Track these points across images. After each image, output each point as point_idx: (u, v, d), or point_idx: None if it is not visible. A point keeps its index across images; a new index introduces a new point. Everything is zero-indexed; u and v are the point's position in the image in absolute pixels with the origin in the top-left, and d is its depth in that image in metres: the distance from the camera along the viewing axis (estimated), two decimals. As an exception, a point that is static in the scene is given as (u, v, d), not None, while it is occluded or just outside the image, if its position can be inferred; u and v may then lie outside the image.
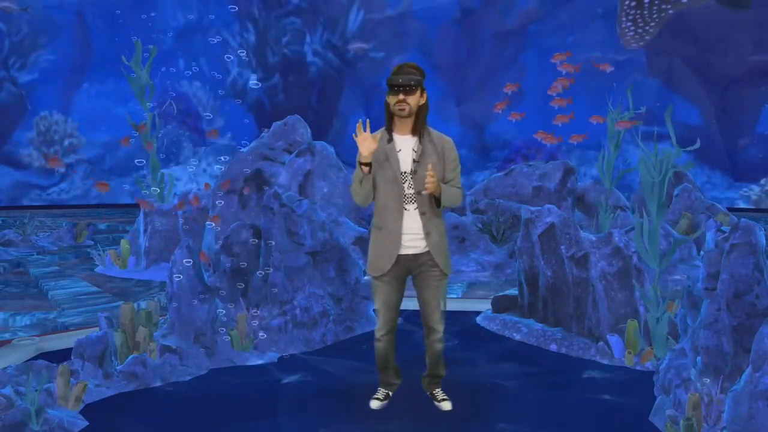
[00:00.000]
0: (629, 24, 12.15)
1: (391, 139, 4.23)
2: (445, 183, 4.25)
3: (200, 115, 17.92)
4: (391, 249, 4.24)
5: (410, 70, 4.16)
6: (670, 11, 12.28)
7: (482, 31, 18.16)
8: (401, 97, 4.12)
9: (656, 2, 12.24)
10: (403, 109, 4.14)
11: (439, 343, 4.45)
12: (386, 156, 4.20)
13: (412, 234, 4.23)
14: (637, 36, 12.16)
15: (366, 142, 4.07)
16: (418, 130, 4.23)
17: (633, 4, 12.15)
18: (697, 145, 5.23)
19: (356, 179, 4.24)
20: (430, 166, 4.08)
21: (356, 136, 4.09)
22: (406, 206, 4.21)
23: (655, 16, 12.24)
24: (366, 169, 4.13)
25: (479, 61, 18.08)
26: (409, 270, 4.32)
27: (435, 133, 4.29)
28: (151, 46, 9.79)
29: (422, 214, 4.22)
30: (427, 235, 4.23)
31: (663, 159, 5.23)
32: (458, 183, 4.31)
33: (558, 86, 9.15)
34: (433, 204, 4.22)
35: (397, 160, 4.20)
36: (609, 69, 9.68)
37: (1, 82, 17.42)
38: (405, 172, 4.20)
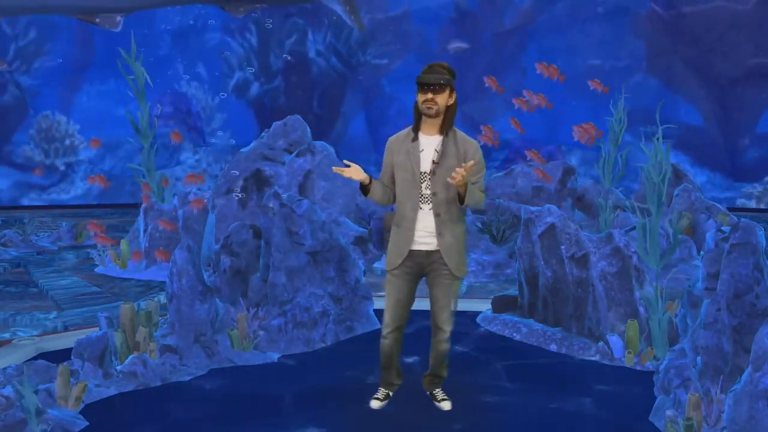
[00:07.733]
0: None
1: (416, 138, 4.23)
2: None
3: (200, 115, 17.91)
4: (403, 245, 4.25)
5: (440, 69, 4.14)
6: None
7: (481, 31, 18.16)
8: (430, 96, 4.11)
9: None
10: (430, 108, 4.13)
11: (446, 343, 4.43)
12: (408, 155, 4.21)
13: (425, 231, 4.23)
14: None
15: (352, 172, 4.18)
16: (444, 131, 4.22)
17: None
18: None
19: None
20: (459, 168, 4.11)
21: (343, 172, 4.18)
22: (422, 206, 4.21)
23: None
24: (365, 191, 4.27)
25: (478, 61, 18.08)
26: (421, 266, 4.30)
27: (461, 135, 4.26)
28: (138, 60, 9.71)
29: (436, 215, 4.20)
30: (440, 235, 4.22)
31: (662, 160, 5.24)
32: (482, 186, 4.28)
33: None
34: (449, 207, 4.19)
35: (418, 160, 4.20)
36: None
37: (5, 84, 17.42)
38: (424, 173, 4.19)
